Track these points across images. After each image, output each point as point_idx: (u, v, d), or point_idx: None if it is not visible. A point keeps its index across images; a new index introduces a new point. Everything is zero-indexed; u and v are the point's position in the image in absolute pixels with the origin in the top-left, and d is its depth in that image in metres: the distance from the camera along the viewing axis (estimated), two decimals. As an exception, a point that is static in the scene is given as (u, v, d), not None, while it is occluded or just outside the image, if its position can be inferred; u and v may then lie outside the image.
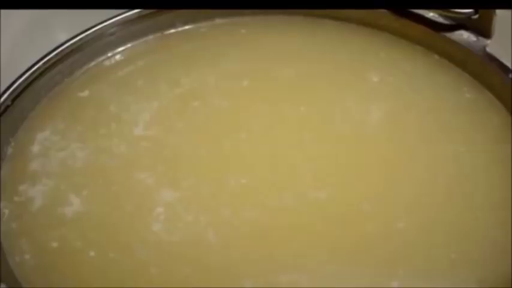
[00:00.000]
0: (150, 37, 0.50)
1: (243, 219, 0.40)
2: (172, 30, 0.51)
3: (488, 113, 0.45)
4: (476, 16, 0.46)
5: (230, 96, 0.46)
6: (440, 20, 0.48)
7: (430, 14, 0.48)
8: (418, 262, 0.38)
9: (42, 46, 0.47)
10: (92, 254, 0.39)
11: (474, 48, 0.46)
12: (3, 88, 0.44)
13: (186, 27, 0.51)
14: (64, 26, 0.54)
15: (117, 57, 0.49)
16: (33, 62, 0.46)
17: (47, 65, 0.46)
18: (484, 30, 0.46)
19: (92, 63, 0.49)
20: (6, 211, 0.41)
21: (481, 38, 0.46)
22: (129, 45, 0.50)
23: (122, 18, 0.49)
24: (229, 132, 0.44)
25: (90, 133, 0.45)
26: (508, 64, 0.44)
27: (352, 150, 0.43)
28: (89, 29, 0.48)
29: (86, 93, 0.47)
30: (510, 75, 0.44)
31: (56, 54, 0.47)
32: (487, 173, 0.41)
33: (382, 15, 0.49)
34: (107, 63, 0.49)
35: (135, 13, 0.49)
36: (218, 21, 0.51)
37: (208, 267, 0.38)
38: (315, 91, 0.46)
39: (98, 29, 0.48)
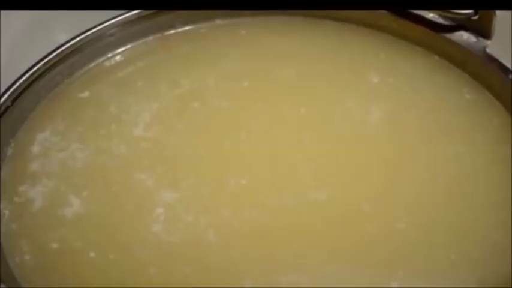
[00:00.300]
0: (150, 38, 0.50)
1: (243, 219, 0.39)
2: (172, 31, 0.51)
3: (488, 113, 0.44)
4: (476, 17, 0.46)
5: (230, 96, 0.46)
6: (440, 20, 0.48)
7: (430, 15, 0.48)
8: (418, 262, 0.38)
9: (42, 47, 0.47)
10: (92, 254, 0.38)
11: (474, 49, 0.46)
12: (3, 89, 0.44)
13: (186, 27, 0.51)
14: (64, 27, 0.54)
15: (117, 58, 0.49)
16: (33, 62, 0.46)
17: (47, 66, 0.46)
18: (484, 31, 0.46)
19: (92, 64, 0.49)
20: (6, 212, 0.41)
21: (481, 39, 0.46)
22: (129, 46, 0.50)
23: (122, 19, 0.49)
24: (229, 132, 0.44)
25: (90, 134, 0.45)
26: (508, 65, 0.44)
27: (352, 151, 0.43)
28: (88, 30, 0.48)
29: (86, 94, 0.47)
30: (510, 76, 0.44)
31: (56, 55, 0.47)
32: (487, 173, 0.41)
33: (382, 16, 0.49)
34: (106, 64, 0.49)
35: (135, 14, 0.49)
36: (218, 22, 0.51)
37: (208, 268, 0.38)
38: (315, 91, 0.46)
39: (98, 30, 0.48)
